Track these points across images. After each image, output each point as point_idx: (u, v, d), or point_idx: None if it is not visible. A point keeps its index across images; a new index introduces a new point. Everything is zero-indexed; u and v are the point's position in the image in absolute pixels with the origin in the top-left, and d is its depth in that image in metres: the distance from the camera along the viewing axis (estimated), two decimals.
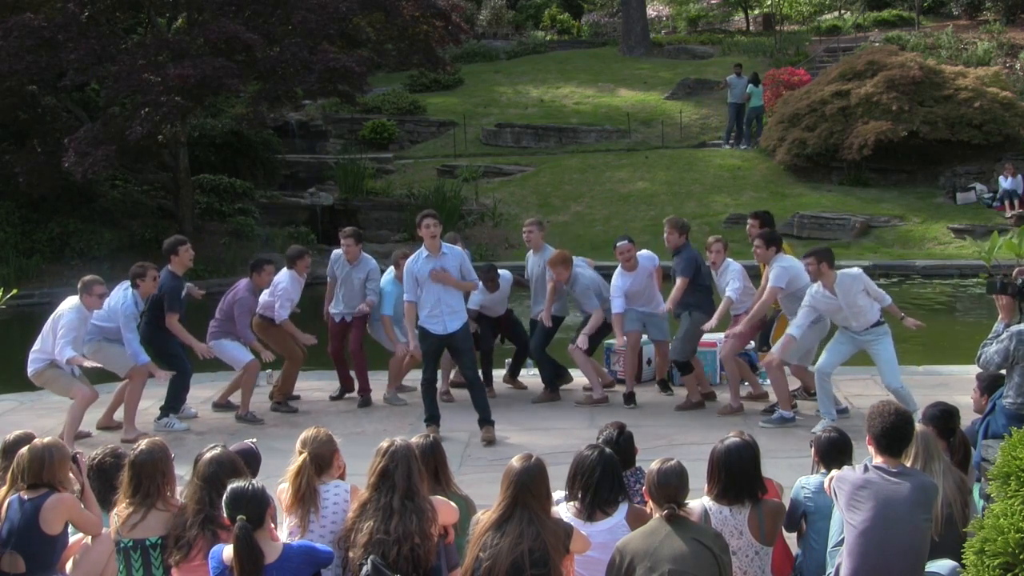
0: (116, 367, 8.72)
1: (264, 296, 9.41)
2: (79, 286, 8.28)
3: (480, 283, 9.05)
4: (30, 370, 8.37)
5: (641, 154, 24.81)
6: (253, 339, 9.16)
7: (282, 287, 9.34)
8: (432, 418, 8.44)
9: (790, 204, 21.04)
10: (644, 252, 9.49)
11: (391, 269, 9.63)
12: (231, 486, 4.28)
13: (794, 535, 5.13)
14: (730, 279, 8.84)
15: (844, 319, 8.10)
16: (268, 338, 9.34)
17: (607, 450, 4.70)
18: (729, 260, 9.01)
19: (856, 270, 8.20)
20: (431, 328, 8.28)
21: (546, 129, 26.86)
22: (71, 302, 8.26)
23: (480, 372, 8.96)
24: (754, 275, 9.28)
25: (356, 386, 9.80)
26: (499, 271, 9.83)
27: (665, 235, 9.27)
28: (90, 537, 4.93)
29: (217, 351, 9.14)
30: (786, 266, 8.46)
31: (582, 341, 9.23)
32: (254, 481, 4.34)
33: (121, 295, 8.57)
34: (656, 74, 29.98)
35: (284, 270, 9.49)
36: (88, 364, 8.25)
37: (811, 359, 8.75)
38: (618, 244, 9.20)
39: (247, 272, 9.46)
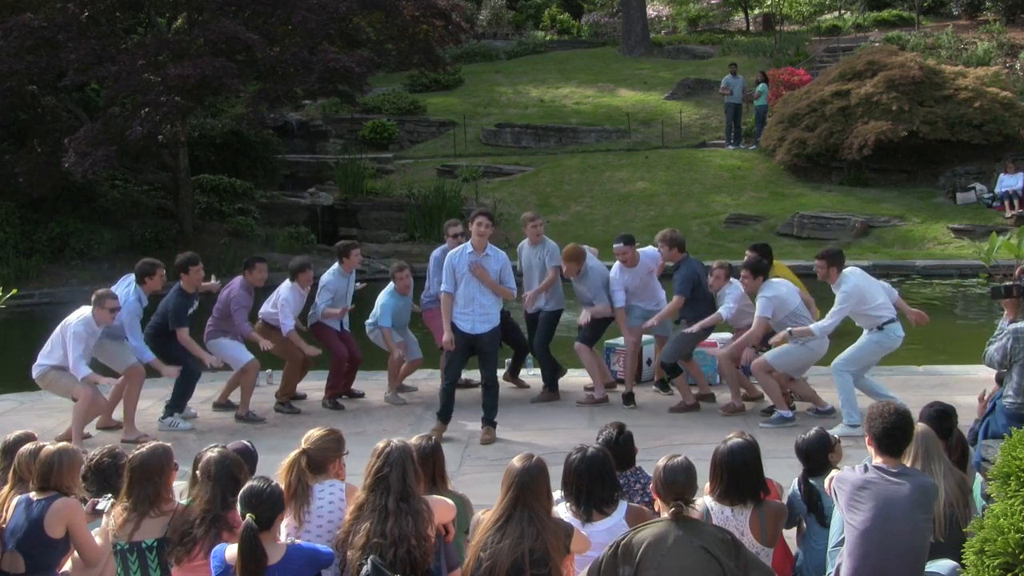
0: (115, 364, 8.70)
1: (267, 307, 9.48)
2: (92, 298, 8.21)
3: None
4: (35, 373, 8.36)
5: (641, 154, 24.80)
6: (250, 331, 9.15)
7: (282, 298, 9.35)
8: (444, 415, 8.45)
9: (790, 204, 21.02)
10: (648, 248, 9.49)
11: (392, 284, 9.63)
12: (249, 483, 4.27)
13: (794, 535, 5.13)
14: (727, 299, 8.87)
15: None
16: (270, 339, 9.33)
17: (591, 449, 4.63)
18: (732, 280, 8.94)
19: (856, 270, 8.26)
20: (459, 324, 8.33)
21: (546, 129, 26.82)
22: (82, 313, 8.19)
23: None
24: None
25: (353, 387, 9.96)
26: None
27: (659, 250, 9.28)
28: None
29: (216, 350, 9.13)
30: (770, 296, 8.45)
31: (584, 317, 9.27)
32: (273, 482, 4.32)
33: (124, 291, 8.54)
34: (656, 74, 29.96)
35: (286, 281, 9.47)
36: (105, 382, 8.25)
37: (802, 374, 8.77)
38: (615, 247, 9.25)
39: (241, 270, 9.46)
